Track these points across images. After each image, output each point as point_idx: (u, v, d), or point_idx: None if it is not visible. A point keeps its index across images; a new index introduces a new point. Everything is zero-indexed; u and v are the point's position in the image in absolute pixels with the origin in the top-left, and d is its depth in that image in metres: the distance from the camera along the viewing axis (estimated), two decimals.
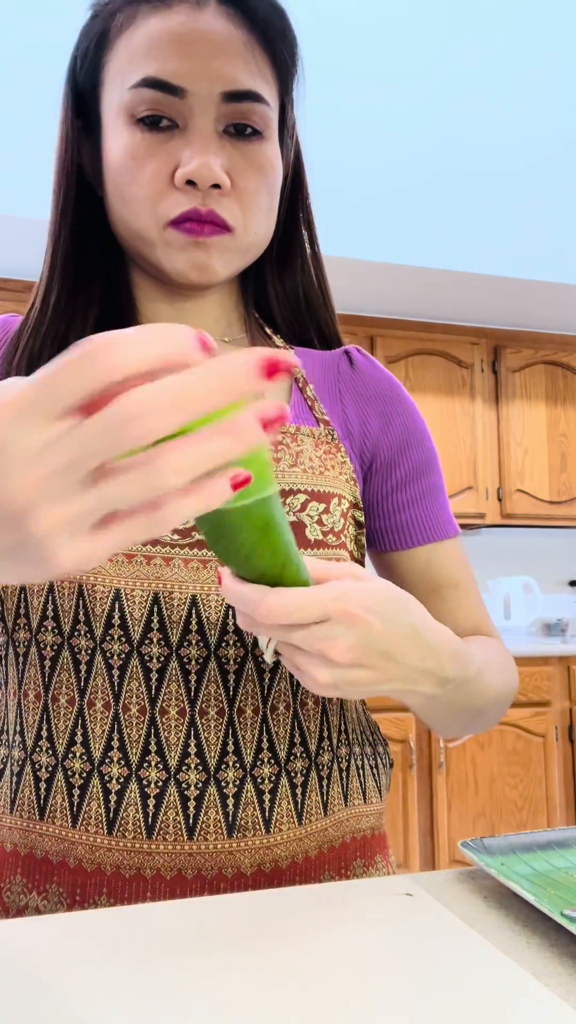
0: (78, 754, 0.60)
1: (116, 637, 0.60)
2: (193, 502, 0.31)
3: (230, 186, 0.62)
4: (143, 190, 0.62)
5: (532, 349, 3.54)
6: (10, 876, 0.61)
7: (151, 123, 0.61)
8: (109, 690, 0.60)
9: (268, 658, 0.38)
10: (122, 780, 0.59)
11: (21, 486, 0.29)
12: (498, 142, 3.00)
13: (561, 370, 3.57)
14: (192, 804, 0.59)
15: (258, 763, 0.61)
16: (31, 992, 0.38)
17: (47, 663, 0.61)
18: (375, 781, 0.71)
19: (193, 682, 0.60)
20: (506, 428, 3.45)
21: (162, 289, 0.71)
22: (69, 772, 0.60)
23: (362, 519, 0.71)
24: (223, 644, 0.61)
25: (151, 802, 0.59)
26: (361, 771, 0.69)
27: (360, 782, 0.68)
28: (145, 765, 0.59)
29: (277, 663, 0.62)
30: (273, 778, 0.61)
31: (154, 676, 0.60)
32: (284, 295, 0.77)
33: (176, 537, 0.62)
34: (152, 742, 0.59)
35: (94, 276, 0.70)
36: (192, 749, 0.59)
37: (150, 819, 0.58)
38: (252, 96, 0.62)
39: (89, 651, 0.60)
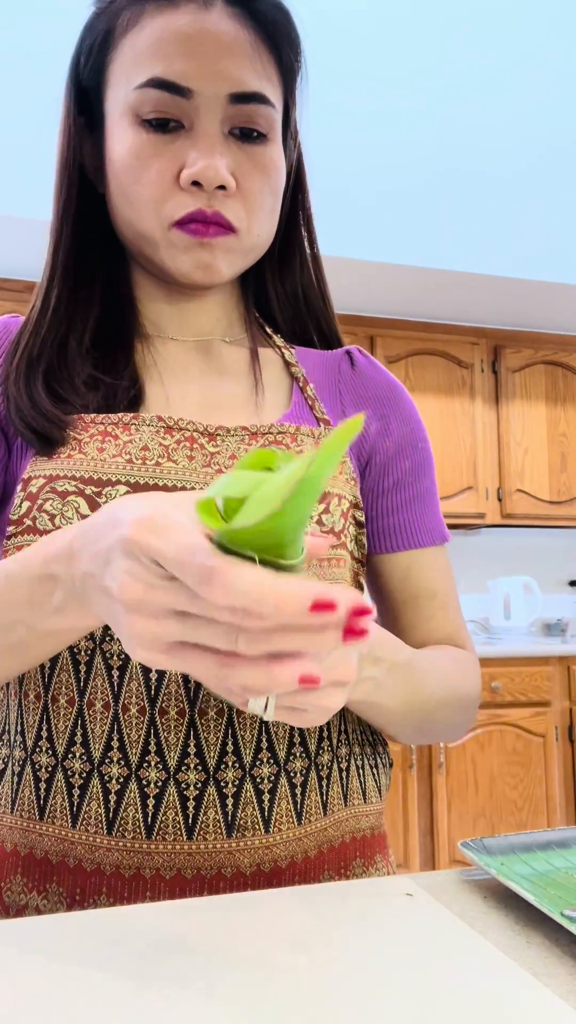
0: (78, 754, 0.60)
1: (115, 637, 0.60)
2: (256, 677, 0.34)
3: (235, 187, 0.62)
4: (148, 190, 0.62)
5: (532, 349, 3.54)
6: (10, 876, 0.61)
7: (157, 125, 0.61)
8: (109, 690, 0.60)
9: (271, 715, 0.38)
10: (122, 780, 0.59)
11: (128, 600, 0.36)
12: (498, 143, 3.00)
13: (561, 370, 3.57)
14: (191, 804, 0.59)
15: (257, 763, 0.61)
16: (31, 992, 0.38)
17: (47, 664, 0.61)
18: (375, 781, 0.70)
19: (192, 682, 0.60)
20: (506, 428, 3.45)
21: (163, 289, 0.71)
22: (69, 772, 0.60)
23: (362, 519, 0.71)
24: None
25: (151, 802, 0.59)
26: (361, 771, 0.69)
27: (360, 782, 0.68)
28: (145, 765, 0.59)
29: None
30: (272, 778, 0.61)
31: (153, 676, 0.60)
32: (284, 295, 0.77)
33: None
34: (152, 742, 0.59)
35: (95, 275, 0.70)
36: (191, 749, 0.59)
37: (150, 819, 0.58)
38: (258, 98, 0.62)
39: (89, 652, 0.60)
